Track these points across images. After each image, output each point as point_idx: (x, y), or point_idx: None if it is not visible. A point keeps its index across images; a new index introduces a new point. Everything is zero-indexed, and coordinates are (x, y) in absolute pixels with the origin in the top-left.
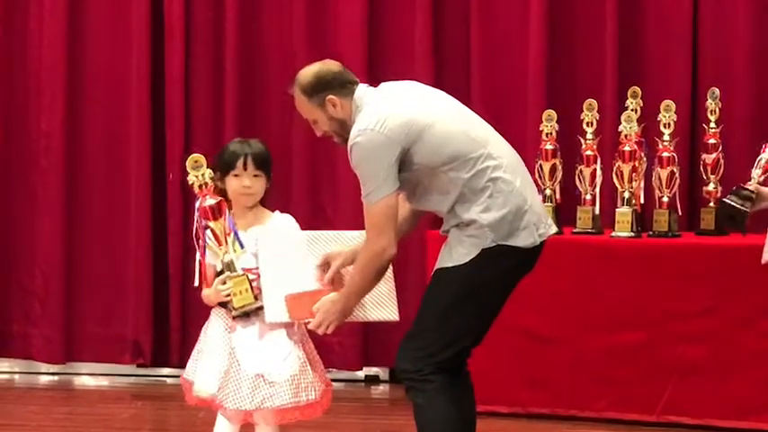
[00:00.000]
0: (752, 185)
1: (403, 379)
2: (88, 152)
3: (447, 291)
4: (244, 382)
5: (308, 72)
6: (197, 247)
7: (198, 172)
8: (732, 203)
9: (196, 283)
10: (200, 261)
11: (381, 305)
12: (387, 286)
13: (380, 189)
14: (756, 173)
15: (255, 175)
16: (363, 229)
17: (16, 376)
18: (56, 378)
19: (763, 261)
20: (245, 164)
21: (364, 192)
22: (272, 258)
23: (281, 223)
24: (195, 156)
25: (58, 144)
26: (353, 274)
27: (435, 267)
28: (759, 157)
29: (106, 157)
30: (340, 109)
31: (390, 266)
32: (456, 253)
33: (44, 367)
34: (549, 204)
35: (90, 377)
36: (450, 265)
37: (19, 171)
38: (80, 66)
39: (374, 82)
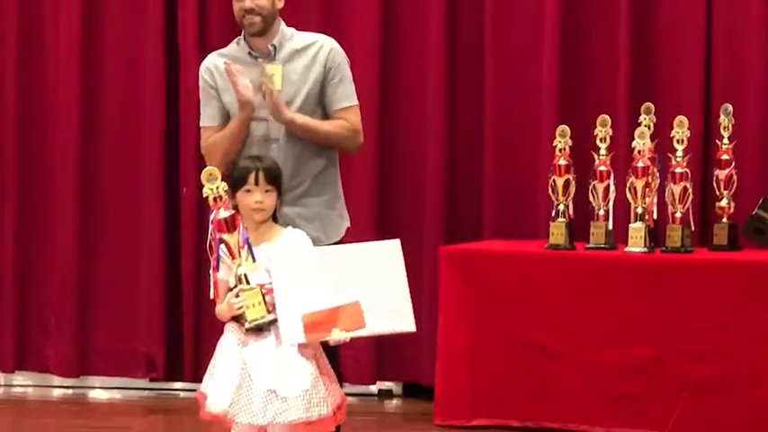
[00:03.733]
0: None
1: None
2: (103, 168)
3: None
4: (256, 397)
5: None
6: (211, 259)
7: (212, 185)
8: (762, 217)
9: (212, 296)
10: (212, 275)
11: (396, 315)
12: (398, 290)
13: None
14: None
15: (267, 191)
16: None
17: (30, 389)
18: (70, 391)
19: None
20: (256, 179)
21: (351, 91)
22: (286, 277)
23: (293, 239)
24: (210, 168)
25: (73, 161)
26: (331, 123)
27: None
28: None
29: (120, 172)
30: (280, 6)
31: (402, 264)
32: (330, 229)
33: (58, 380)
34: (563, 219)
35: (103, 390)
36: (328, 243)
37: (35, 188)
38: (95, 83)
39: (388, 99)
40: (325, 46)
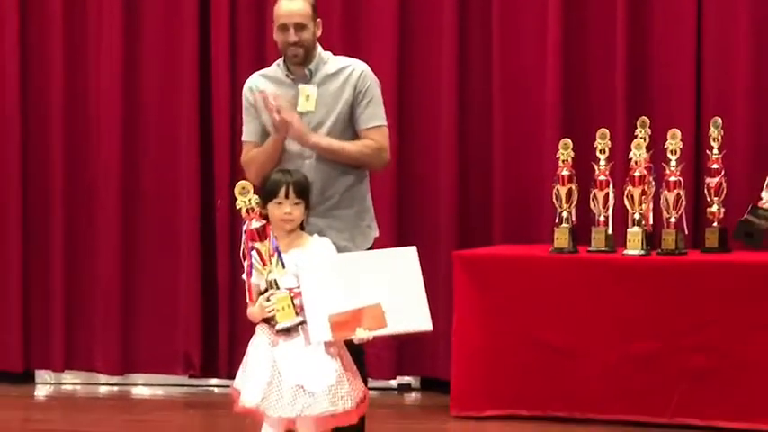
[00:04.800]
0: (766, 205)
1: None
2: (142, 182)
3: None
4: (285, 392)
5: None
6: (244, 265)
7: (245, 197)
8: (750, 221)
9: (248, 299)
10: (246, 280)
11: (414, 316)
12: (416, 292)
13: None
14: (765, 194)
15: (296, 203)
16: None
17: (78, 387)
18: (115, 388)
19: None
20: (286, 192)
21: (380, 113)
22: (314, 280)
23: (320, 247)
24: (243, 182)
25: (116, 176)
26: (354, 144)
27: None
28: (767, 180)
29: (159, 186)
30: (318, 33)
31: (419, 269)
32: (359, 238)
33: (104, 378)
34: (566, 225)
35: (146, 387)
36: (356, 251)
37: (80, 203)
38: (135, 104)
39: (405, 117)
40: (356, 70)
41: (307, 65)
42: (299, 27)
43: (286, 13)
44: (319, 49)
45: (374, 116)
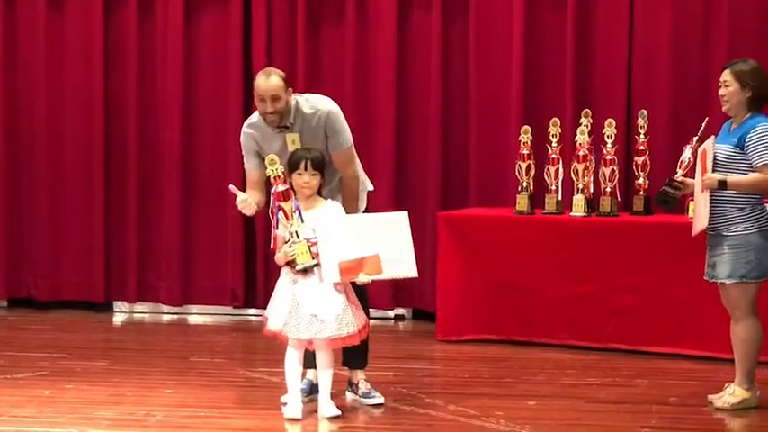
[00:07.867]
0: (679, 178)
1: None
2: (198, 158)
3: None
4: (302, 320)
5: (281, 71)
6: (272, 220)
7: (273, 167)
8: (667, 191)
9: (272, 246)
10: (273, 231)
11: (404, 265)
12: (406, 247)
13: (350, 138)
14: (680, 170)
15: (313, 174)
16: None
17: (147, 315)
18: (175, 316)
19: (693, 234)
20: (305, 165)
21: (345, 140)
22: (328, 234)
23: (332, 208)
24: (271, 156)
25: (177, 152)
26: (349, 196)
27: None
28: (681, 158)
29: (210, 160)
30: (290, 99)
31: (408, 229)
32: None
33: (166, 308)
34: (526, 193)
35: (199, 315)
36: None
37: (150, 173)
38: (192, 98)
39: (402, 112)
40: (322, 112)
41: (283, 124)
42: (275, 99)
43: (263, 88)
44: (293, 101)
45: (341, 143)
